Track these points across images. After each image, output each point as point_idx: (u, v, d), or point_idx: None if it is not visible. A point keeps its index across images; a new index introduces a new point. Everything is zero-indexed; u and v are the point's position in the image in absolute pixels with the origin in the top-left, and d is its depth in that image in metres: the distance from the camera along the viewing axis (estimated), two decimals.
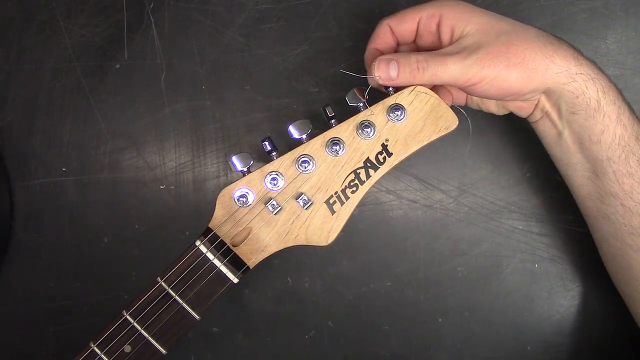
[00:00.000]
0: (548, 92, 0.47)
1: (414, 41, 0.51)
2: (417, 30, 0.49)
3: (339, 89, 0.61)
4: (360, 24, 0.60)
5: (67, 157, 0.62)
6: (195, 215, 0.62)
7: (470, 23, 0.46)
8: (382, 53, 0.50)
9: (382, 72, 0.46)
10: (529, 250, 0.61)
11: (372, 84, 0.48)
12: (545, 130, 0.50)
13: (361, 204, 0.61)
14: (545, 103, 0.48)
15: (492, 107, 0.52)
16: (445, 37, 0.48)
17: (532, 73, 0.45)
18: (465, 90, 0.48)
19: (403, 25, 0.49)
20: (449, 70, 0.45)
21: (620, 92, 0.47)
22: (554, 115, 0.48)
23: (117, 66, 0.61)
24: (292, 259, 0.62)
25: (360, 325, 0.63)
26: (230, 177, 0.62)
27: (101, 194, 0.62)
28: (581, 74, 0.46)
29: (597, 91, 0.46)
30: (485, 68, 0.45)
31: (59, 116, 0.61)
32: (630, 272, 0.51)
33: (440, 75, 0.46)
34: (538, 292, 0.62)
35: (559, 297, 0.62)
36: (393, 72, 0.46)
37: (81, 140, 0.62)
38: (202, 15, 0.61)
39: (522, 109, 0.50)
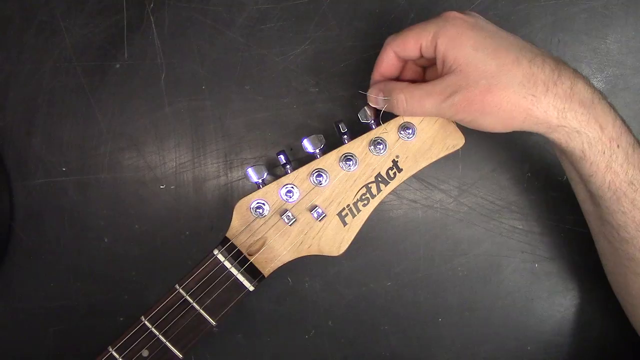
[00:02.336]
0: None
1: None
2: (420, 52, 0.49)
3: (339, 89, 0.61)
4: (360, 24, 0.60)
5: (67, 157, 0.62)
6: (195, 215, 0.62)
7: (456, 61, 0.45)
8: (388, 78, 0.51)
9: (372, 100, 0.49)
10: (529, 250, 0.61)
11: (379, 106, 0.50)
12: (550, 144, 0.50)
13: None
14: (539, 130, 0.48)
15: None
16: (439, 66, 0.47)
17: (507, 121, 0.45)
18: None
19: (406, 52, 0.49)
20: (427, 110, 0.47)
21: (617, 137, 0.45)
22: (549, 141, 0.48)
23: (117, 66, 0.61)
24: (293, 259, 0.62)
25: (360, 325, 0.63)
26: (230, 177, 0.62)
27: (101, 194, 0.62)
28: (564, 126, 0.44)
29: (582, 143, 0.45)
30: (459, 113, 0.45)
31: (59, 116, 0.61)
32: (627, 289, 0.52)
33: (419, 114, 0.48)
34: (538, 292, 0.62)
35: (559, 297, 0.62)
36: (381, 103, 0.49)
37: (81, 140, 0.62)
38: (202, 15, 0.61)
39: None
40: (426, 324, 0.62)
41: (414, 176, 0.61)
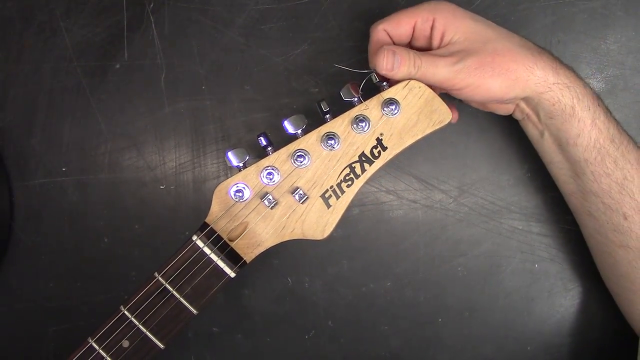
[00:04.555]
0: (527, 99, 0.49)
1: (409, 43, 0.52)
2: (412, 34, 0.51)
3: (338, 89, 0.61)
4: (360, 24, 0.60)
5: (67, 157, 0.62)
6: (195, 216, 0.62)
7: (459, 30, 0.48)
8: None
9: (388, 61, 0.48)
10: (529, 250, 0.61)
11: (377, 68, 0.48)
12: (529, 130, 0.53)
13: (361, 204, 0.61)
14: (525, 107, 0.50)
15: (473, 103, 0.55)
16: (435, 42, 0.49)
17: (514, 82, 0.47)
18: (450, 93, 0.50)
19: (399, 29, 0.50)
20: (439, 72, 0.47)
21: (596, 97, 0.49)
22: (534, 118, 0.51)
23: (117, 66, 0.61)
24: (292, 259, 0.62)
25: (360, 325, 0.63)
26: (231, 176, 0.62)
27: (101, 194, 0.62)
28: (557, 83, 0.48)
29: (572, 98, 0.48)
30: (471, 76, 0.47)
31: (59, 116, 0.61)
32: (616, 269, 0.53)
33: (429, 77, 0.48)
34: (538, 292, 0.62)
35: (559, 297, 0.62)
36: (396, 64, 0.48)
37: (81, 140, 0.62)
38: (202, 15, 0.61)
39: (501, 109, 0.52)
40: (426, 324, 0.62)
41: (414, 176, 0.61)
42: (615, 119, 0.50)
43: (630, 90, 0.60)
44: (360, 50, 0.60)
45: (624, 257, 0.51)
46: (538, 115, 0.50)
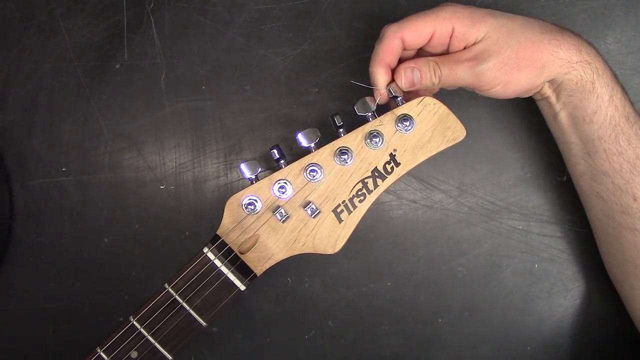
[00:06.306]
0: (552, 81, 0.50)
1: (421, 48, 0.51)
2: (429, 38, 0.49)
3: (339, 89, 0.61)
4: (360, 24, 0.60)
5: (67, 157, 0.62)
6: (195, 215, 0.62)
7: (481, 32, 0.48)
8: (392, 70, 0.49)
9: (407, 79, 0.48)
10: (529, 250, 0.61)
11: (379, 97, 0.48)
12: (544, 110, 0.53)
13: None
14: (547, 89, 0.51)
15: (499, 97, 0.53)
16: (457, 46, 0.49)
17: (540, 70, 0.48)
18: (480, 93, 0.50)
19: (417, 39, 0.49)
20: (459, 76, 0.47)
21: (614, 74, 0.50)
22: (552, 99, 0.51)
23: (117, 66, 0.61)
24: (292, 259, 0.62)
25: (360, 325, 0.62)
26: (230, 177, 0.62)
27: (101, 194, 0.62)
28: (580, 61, 0.48)
29: (592, 74, 0.48)
30: (498, 76, 0.47)
31: (59, 116, 0.61)
32: (622, 254, 0.52)
33: (451, 82, 0.48)
34: (538, 292, 0.62)
35: (559, 297, 0.62)
36: (417, 80, 0.48)
37: (81, 140, 0.62)
38: (202, 15, 0.61)
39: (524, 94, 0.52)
40: (426, 324, 0.62)
41: (414, 176, 0.61)
42: (630, 99, 0.50)
43: (630, 90, 0.59)
44: (360, 50, 0.60)
45: (630, 240, 0.51)
46: (558, 95, 0.50)
